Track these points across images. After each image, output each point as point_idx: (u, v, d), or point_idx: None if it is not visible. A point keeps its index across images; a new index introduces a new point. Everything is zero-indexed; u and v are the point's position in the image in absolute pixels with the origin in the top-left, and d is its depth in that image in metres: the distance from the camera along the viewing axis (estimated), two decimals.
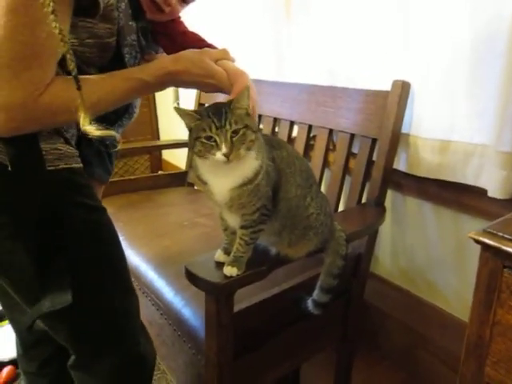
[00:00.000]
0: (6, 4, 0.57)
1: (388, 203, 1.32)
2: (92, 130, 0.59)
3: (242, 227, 0.79)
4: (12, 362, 1.46)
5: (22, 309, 0.79)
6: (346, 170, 1.28)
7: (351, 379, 1.34)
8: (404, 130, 1.19)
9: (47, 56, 0.62)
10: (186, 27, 0.99)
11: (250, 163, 0.73)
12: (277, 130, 1.55)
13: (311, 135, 1.41)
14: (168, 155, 2.95)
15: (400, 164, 1.29)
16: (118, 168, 2.78)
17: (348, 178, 1.29)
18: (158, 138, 2.99)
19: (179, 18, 0.97)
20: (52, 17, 0.53)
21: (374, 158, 1.19)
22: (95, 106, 0.68)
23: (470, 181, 1.13)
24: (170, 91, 2.51)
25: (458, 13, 1.06)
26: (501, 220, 0.65)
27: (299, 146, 1.40)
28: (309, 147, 1.42)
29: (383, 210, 1.18)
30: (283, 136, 1.47)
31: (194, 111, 0.71)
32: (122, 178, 1.99)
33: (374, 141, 1.19)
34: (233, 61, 0.86)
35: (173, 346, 1.10)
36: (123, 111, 0.94)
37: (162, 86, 0.79)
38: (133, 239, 1.37)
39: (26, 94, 0.61)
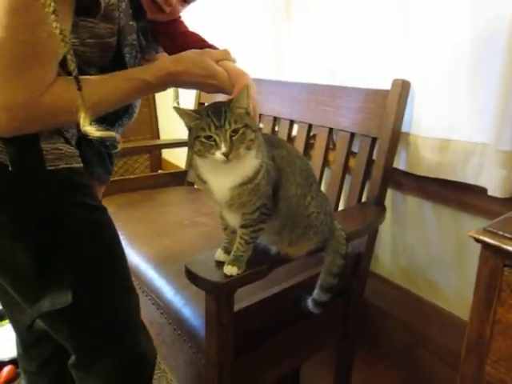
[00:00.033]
0: (7, 4, 0.57)
1: (388, 202, 1.32)
2: (92, 130, 0.59)
3: (242, 226, 0.79)
4: (12, 362, 1.45)
5: (22, 308, 0.79)
6: (345, 168, 1.28)
7: (351, 378, 1.34)
8: (404, 128, 1.19)
9: (48, 56, 0.62)
10: (186, 27, 0.99)
11: (250, 162, 0.72)
12: (277, 129, 1.55)
13: (311, 134, 1.41)
14: (168, 154, 2.95)
15: (400, 163, 1.29)
16: (118, 167, 2.78)
17: (348, 177, 1.29)
18: (158, 138, 2.99)
19: (180, 17, 0.97)
20: (53, 17, 0.53)
21: (374, 156, 1.19)
22: (96, 106, 0.68)
23: (469, 180, 1.13)
24: (169, 91, 2.48)
25: (457, 12, 1.06)
26: (501, 219, 0.65)
27: (299, 145, 1.40)
28: (309, 146, 1.42)
29: (383, 208, 1.18)
30: (283, 135, 1.47)
31: (194, 111, 0.71)
32: (121, 178, 1.99)
33: (374, 140, 1.19)
34: (234, 61, 0.86)
35: (173, 345, 1.10)
36: (123, 111, 0.94)
37: (162, 86, 0.79)
38: (133, 238, 1.37)
39: (28, 94, 0.61)
